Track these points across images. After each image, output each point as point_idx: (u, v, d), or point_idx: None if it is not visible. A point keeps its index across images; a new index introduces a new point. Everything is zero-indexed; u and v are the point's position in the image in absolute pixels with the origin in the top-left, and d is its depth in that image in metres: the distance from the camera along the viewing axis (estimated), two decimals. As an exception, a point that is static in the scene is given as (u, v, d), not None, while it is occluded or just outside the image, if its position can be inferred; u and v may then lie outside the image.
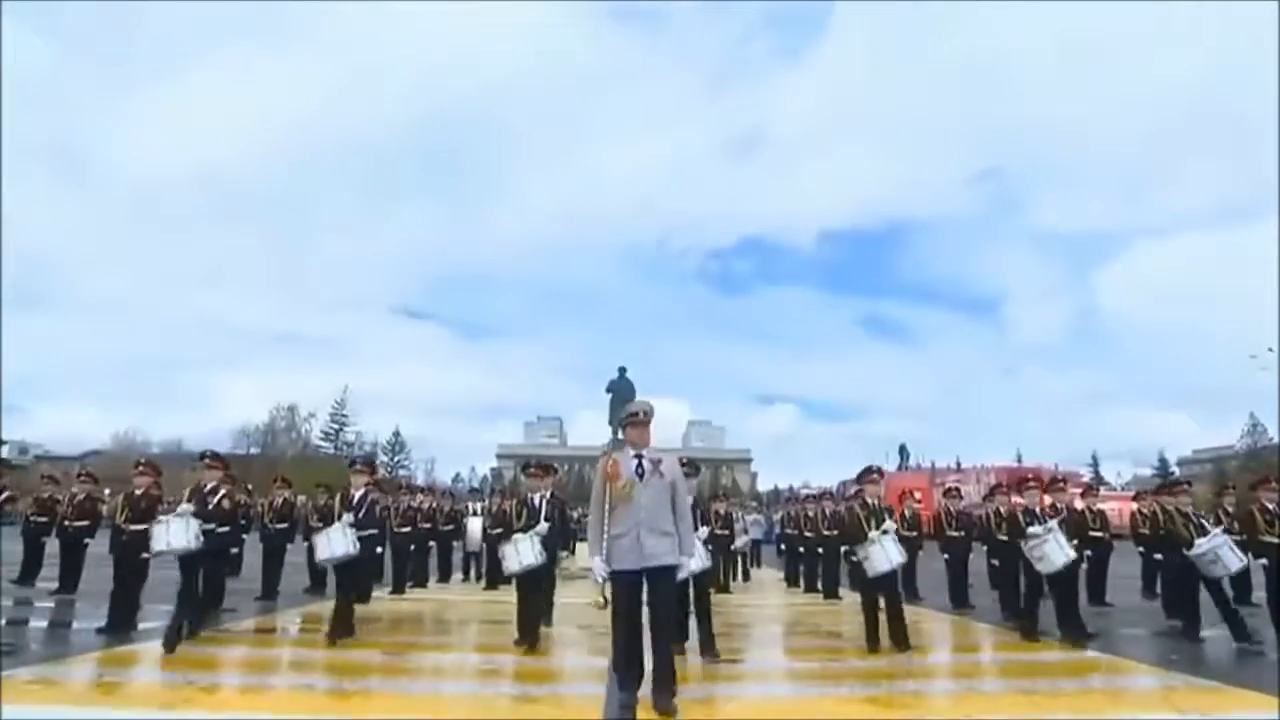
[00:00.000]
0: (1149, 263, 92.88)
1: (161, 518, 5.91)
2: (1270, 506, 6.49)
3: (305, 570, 9.51)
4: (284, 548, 9.62)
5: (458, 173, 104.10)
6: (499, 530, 7.87)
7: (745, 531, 13.21)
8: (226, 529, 8.88)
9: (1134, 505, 10.67)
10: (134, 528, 6.52)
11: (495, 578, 9.80)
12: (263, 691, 4.36)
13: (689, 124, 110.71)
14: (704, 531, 5.97)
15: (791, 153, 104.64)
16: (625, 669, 3.81)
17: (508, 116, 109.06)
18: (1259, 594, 6.45)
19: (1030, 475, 7.02)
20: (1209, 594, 6.46)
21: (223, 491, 6.30)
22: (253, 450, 49.71)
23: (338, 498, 6.83)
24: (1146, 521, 9.55)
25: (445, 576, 11.65)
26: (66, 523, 9.62)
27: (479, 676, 4.83)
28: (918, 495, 11.69)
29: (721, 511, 9.46)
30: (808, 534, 11.17)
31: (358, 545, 6.23)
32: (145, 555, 6.27)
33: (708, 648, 5.46)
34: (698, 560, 5.26)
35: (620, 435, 4.79)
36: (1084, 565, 7.16)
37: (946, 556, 9.53)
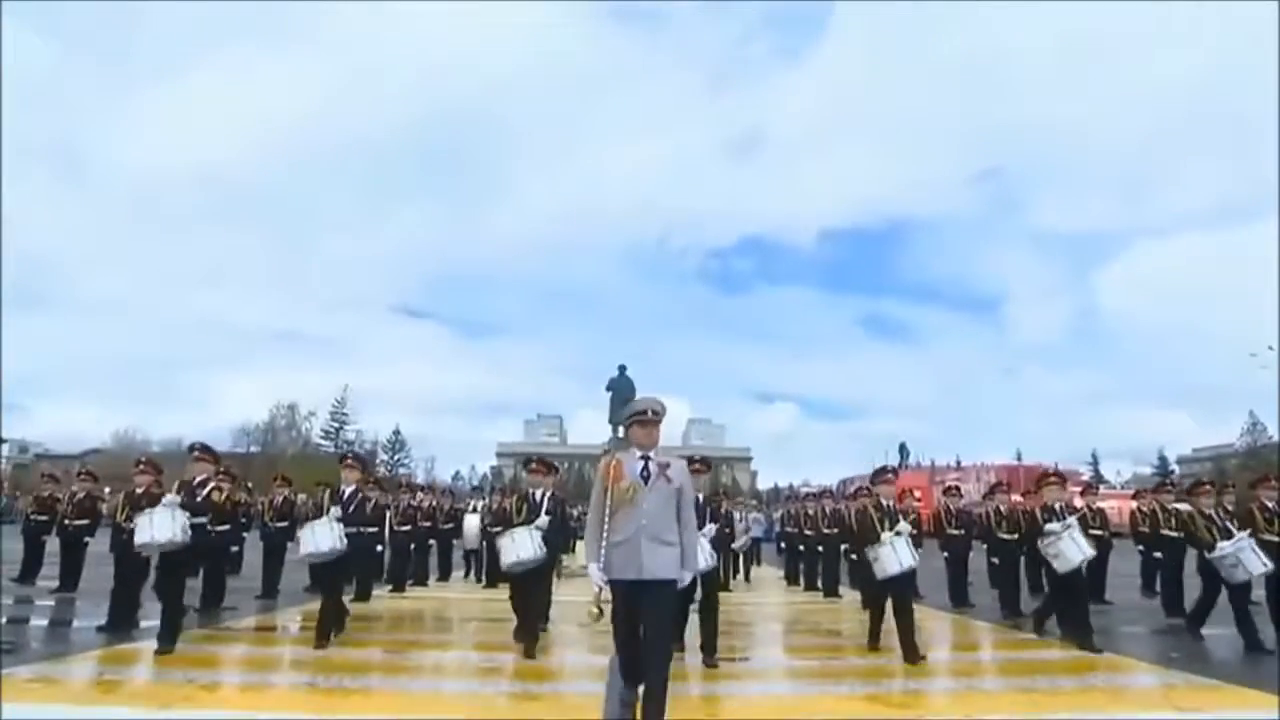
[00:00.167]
0: (1149, 262, 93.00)
1: (146, 510, 5.66)
2: (1270, 505, 6.50)
3: (305, 569, 9.50)
4: (284, 546, 9.62)
5: (458, 172, 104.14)
6: (499, 528, 7.64)
7: (747, 530, 13.21)
8: (227, 526, 8.96)
9: (1133, 504, 10.67)
10: (134, 526, 6.50)
11: (495, 576, 9.80)
12: (263, 690, 4.36)
13: (689, 123, 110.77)
14: (711, 529, 5.77)
15: (792, 152, 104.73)
16: (628, 664, 3.63)
17: (508, 116, 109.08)
18: (1259, 592, 6.43)
19: (1051, 471, 6.82)
20: (1228, 598, 6.33)
21: (212, 484, 6.05)
22: (253, 449, 49.74)
23: (326, 493, 6.53)
24: (1146, 520, 9.56)
25: (445, 575, 11.66)
26: (67, 521, 9.63)
27: (479, 674, 4.84)
28: (917, 494, 11.71)
29: (723, 510, 9.46)
30: (808, 532, 11.18)
31: (344, 541, 5.95)
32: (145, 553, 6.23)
33: (709, 649, 5.31)
34: (705, 558, 5.10)
35: (623, 434, 4.62)
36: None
37: (946, 555, 9.54)
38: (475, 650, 5.88)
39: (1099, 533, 9.02)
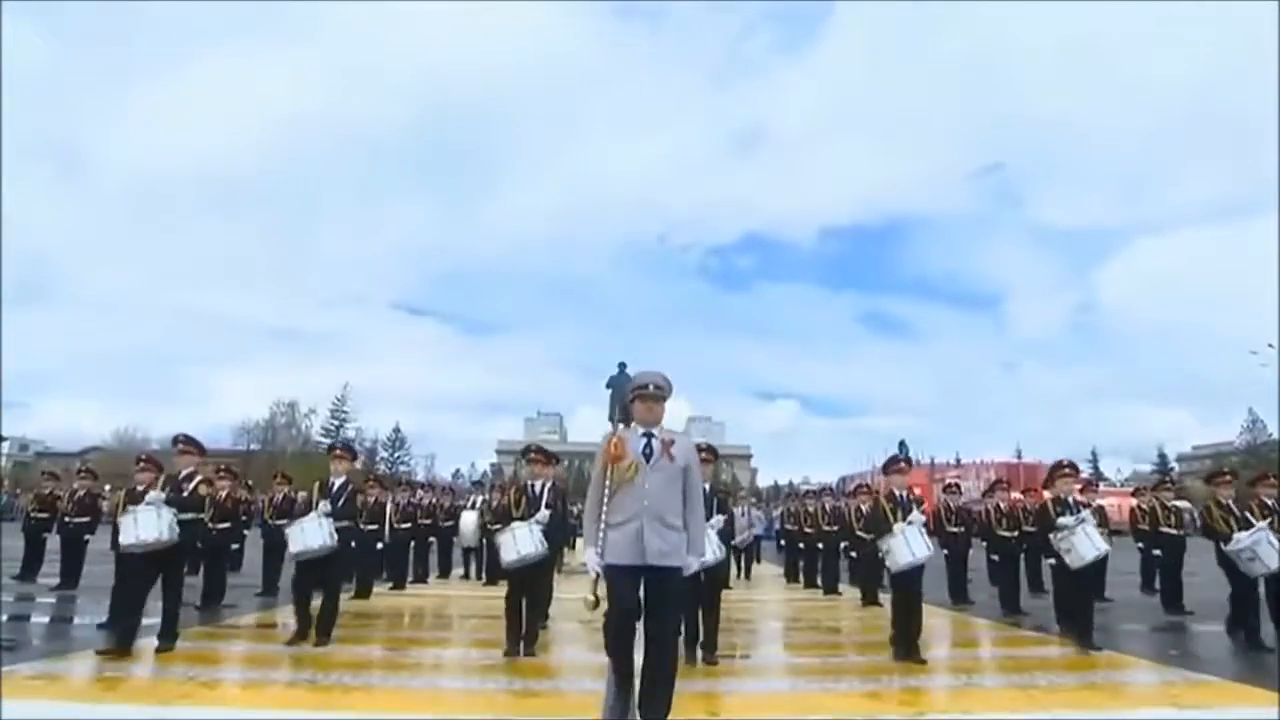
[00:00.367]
0: (1149, 259, 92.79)
1: (129, 508, 5.39)
2: (1269, 502, 6.50)
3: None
4: (285, 544, 9.62)
5: (458, 169, 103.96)
6: (499, 525, 7.19)
7: (750, 526, 13.19)
8: (227, 524, 8.97)
9: (1133, 501, 10.69)
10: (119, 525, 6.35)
11: (495, 573, 9.80)
12: (263, 687, 4.37)
13: (690, 120, 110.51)
14: (719, 521, 5.53)
15: (792, 149, 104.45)
16: (620, 659, 3.32)
17: (508, 112, 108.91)
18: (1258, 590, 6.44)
19: (1065, 463, 6.47)
20: (1234, 589, 6.24)
21: (199, 478, 5.73)
22: (253, 446, 49.79)
23: (315, 486, 6.22)
24: (1145, 517, 9.58)
25: (445, 572, 11.67)
26: (67, 519, 9.65)
27: (480, 672, 4.84)
28: (917, 491, 11.68)
29: (729, 504, 9.44)
30: (808, 530, 11.19)
31: (335, 537, 5.71)
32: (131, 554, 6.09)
33: (710, 646, 5.20)
34: (712, 553, 4.92)
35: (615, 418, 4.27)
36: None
37: (946, 552, 9.54)
38: (476, 648, 5.88)
39: (1099, 530, 9.05)
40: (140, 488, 6.63)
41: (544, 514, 5.77)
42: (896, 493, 5.81)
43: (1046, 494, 7.68)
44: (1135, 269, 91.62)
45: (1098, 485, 18.77)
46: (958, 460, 50.09)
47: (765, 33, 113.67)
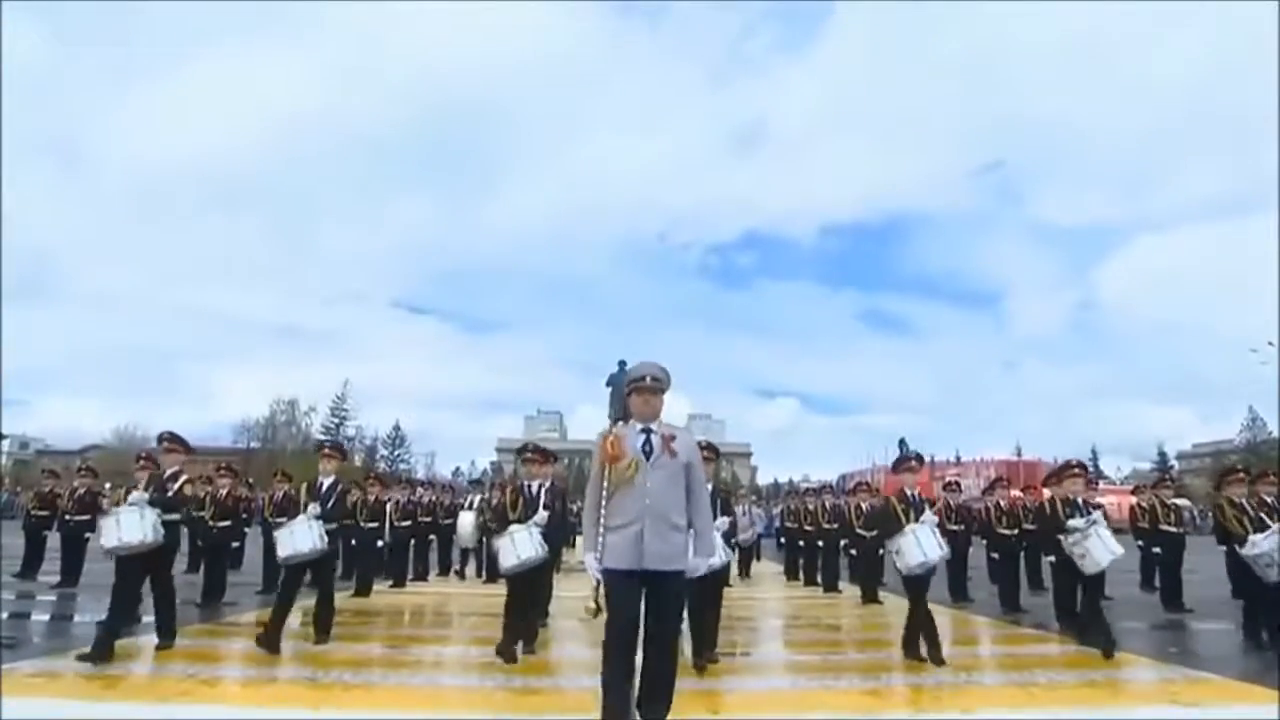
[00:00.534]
0: (1149, 257, 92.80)
1: (112, 509, 5.20)
2: (1269, 500, 6.50)
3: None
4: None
5: (458, 167, 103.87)
6: (496, 525, 6.59)
7: (752, 524, 13.18)
8: (228, 522, 8.98)
9: (1133, 499, 10.69)
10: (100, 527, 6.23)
11: (496, 572, 9.79)
12: (264, 685, 4.37)
13: (690, 118, 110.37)
14: (724, 522, 5.33)
15: (793, 147, 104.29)
16: (617, 685, 3.06)
17: (508, 110, 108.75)
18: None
19: (1075, 462, 6.22)
20: (1248, 593, 6.15)
21: (185, 477, 5.51)
22: (253, 444, 49.80)
23: (303, 487, 6.00)
24: (1145, 515, 9.58)
25: (446, 570, 11.67)
26: (68, 517, 9.67)
27: (480, 669, 4.84)
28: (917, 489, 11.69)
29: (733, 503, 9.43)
30: (808, 528, 11.20)
31: (325, 540, 5.54)
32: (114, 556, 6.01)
33: (709, 645, 5.03)
34: (718, 555, 4.73)
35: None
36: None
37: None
38: (476, 645, 5.88)
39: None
40: (140, 485, 6.62)
41: (542, 515, 5.56)
42: (908, 492, 5.63)
43: (1047, 492, 7.64)
44: (1135, 267, 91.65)
45: (1097, 483, 18.80)
46: (958, 458, 50.06)
47: (766, 31, 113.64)
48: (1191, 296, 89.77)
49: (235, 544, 9.92)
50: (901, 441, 54.40)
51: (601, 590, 3.20)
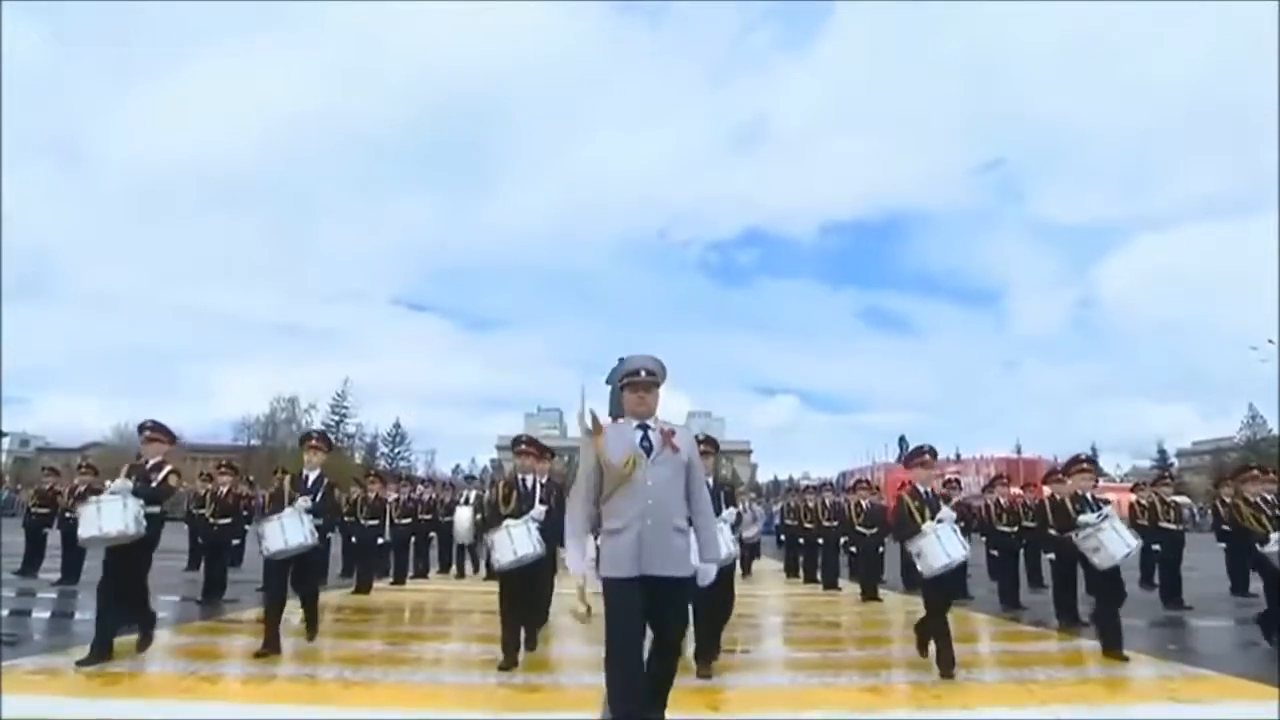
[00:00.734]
0: (1150, 255, 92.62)
1: (91, 498, 4.99)
2: (1269, 497, 6.50)
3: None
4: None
5: (458, 164, 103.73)
6: (485, 516, 6.37)
7: (754, 520, 13.19)
8: (229, 519, 8.98)
9: (1132, 496, 10.70)
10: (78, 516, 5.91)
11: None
12: (265, 682, 4.37)
13: (691, 115, 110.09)
14: (730, 514, 5.10)
15: (793, 144, 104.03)
16: (625, 687, 2.83)
17: (509, 109, 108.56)
18: (1256, 585, 6.44)
19: (1083, 458, 5.98)
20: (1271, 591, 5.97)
21: (169, 467, 5.22)
22: (254, 442, 49.85)
23: (287, 479, 5.65)
24: (1145, 513, 9.58)
25: (446, 568, 11.68)
26: (68, 514, 9.65)
27: (480, 666, 4.85)
28: (931, 484, 11.72)
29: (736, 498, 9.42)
30: (807, 525, 11.21)
31: (315, 535, 5.28)
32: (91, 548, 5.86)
33: (710, 655, 4.71)
34: (726, 545, 4.55)
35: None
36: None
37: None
38: (476, 642, 5.89)
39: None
40: (122, 474, 6.38)
41: (538, 510, 5.27)
42: (921, 489, 5.24)
43: (1047, 490, 7.63)
44: (1136, 265, 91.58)
45: (1097, 481, 18.81)
46: (958, 456, 50.02)
47: (766, 29, 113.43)
48: (1192, 295, 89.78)
49: (236, 541, 9.94)
50: (901, 439, 54.50)
51: (590, 587, 3.05)
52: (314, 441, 5.82)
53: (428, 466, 54.66)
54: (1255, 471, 6.67)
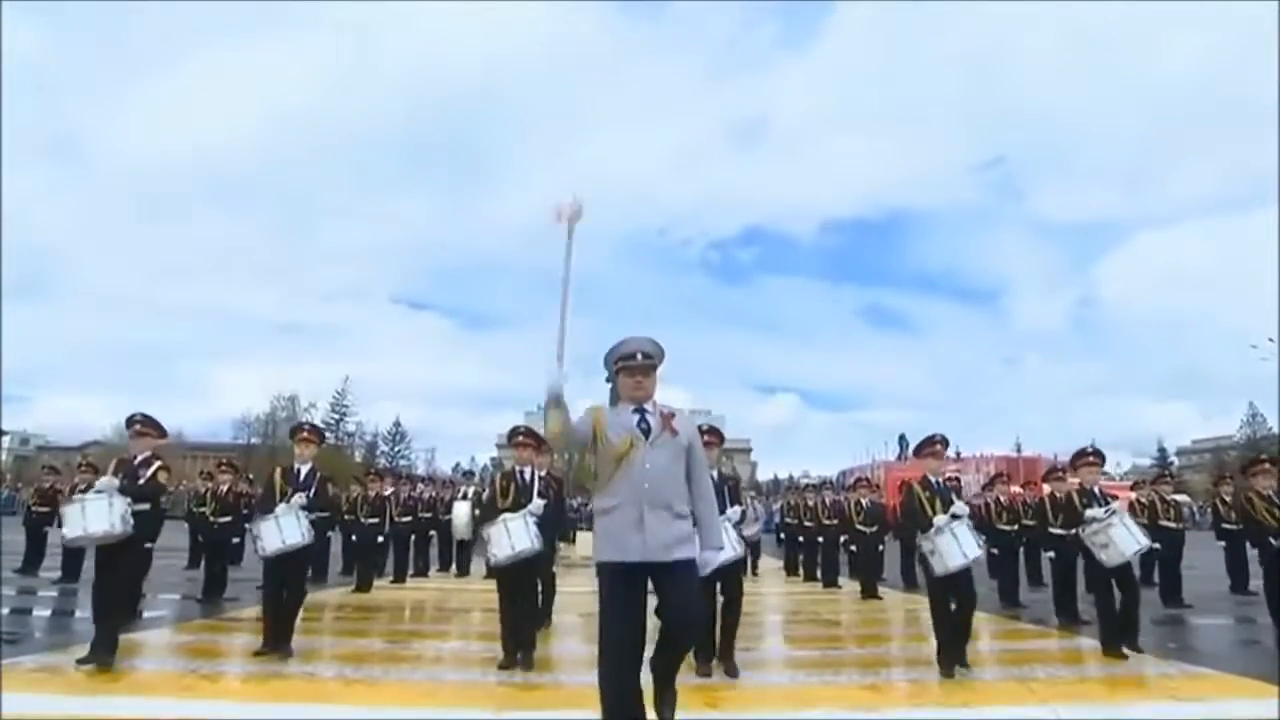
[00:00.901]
0: (1150, 253, 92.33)
1: (76, 496, 4.79)
2: (1269, 494, 6.50)
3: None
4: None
5: (458, 163, 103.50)
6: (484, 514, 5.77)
7: (757, 519, 13.19)
8: (229, 518, 8.99)
9: (1132, 494, 10.70)
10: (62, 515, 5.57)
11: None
12: (265, 680, 4.37)
13: (691, 112, 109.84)
14: (735, 512, 4.87)
15: (794, 142, 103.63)
16: (618, 686, 2.68)
17: (508, 106, 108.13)
18: (1255, 583, 6.43)
19: (1089, 450, 5.77)
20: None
21: (157, 464, 4.98)
22: (254, 440, 49.85)
23: (278, 472, 5.41)
24: (1144, 511, 9.58)
25: (446, 566, 11.69)
26: (68, 512, 9.66)
27: (481, 664, 4.85)
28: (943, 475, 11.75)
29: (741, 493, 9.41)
30: (807, 523, 11.22)
31: (312, 533, 5.09)
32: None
33: (727, 657, 4.59)
34: (731, 546, 4.30)
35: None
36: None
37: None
38: (476, 640, 5.90)
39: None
40: (110, 471, 6.26)
41: (537, 503, 5.04)
42: (933, 480, 4.99)
43: (1046, 487, 7.62)
44: (1136, 263, 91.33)
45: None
46: (958, 454, 49.78)
47: (767, 26, 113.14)
48: (1192, 292, 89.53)
49: (236, 540, 9.94)
50: (901, 437, 54.48)
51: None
52: (305, 433, 5.53)
53: (428, 465, 54.65)
54: (1266, 464, 6.57)
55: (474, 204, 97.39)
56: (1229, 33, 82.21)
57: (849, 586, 9.74)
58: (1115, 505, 5.41)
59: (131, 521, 4.61)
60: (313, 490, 5.23)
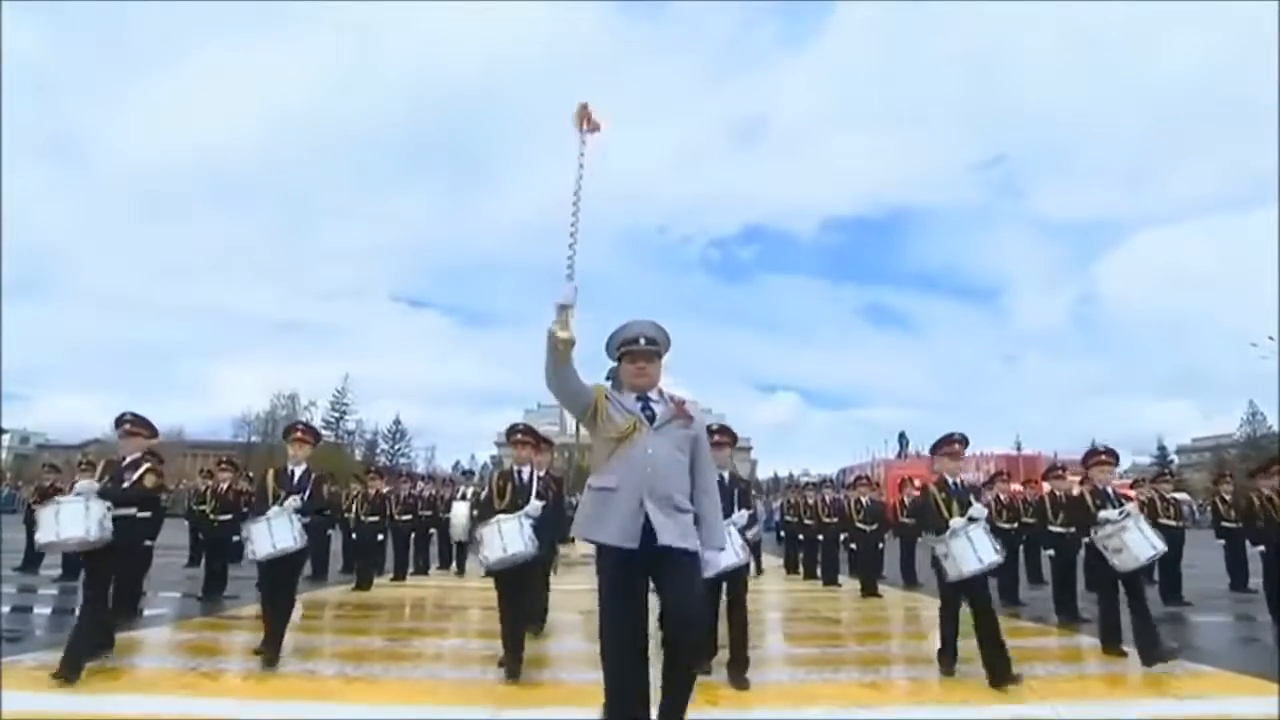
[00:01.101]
0: (1150, 251, 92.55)
1: (58, 499, 4.53)
2: (1269, 494, 6.50)
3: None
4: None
5: (458, 161, 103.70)
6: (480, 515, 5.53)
7: (760, 518, 13.18)
8: (229, 516, 8.99)
9: (1132, 493, 10.70)
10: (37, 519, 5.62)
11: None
12: (266, 678, 4.38)
13: (691, 111, 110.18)
14: (743, 516, 4.69)
15: (794, 140, 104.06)
16: (619, 682, 2.55)
17: (509, 104, 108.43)
18: (1255, 580, 6.44)
19: (1102, 449, 5.56)
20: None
21: (145, 466, 4.73)
22: (254, 439, 49.90)
23: (270, 473, 5.20)
24: (1144, 509, 9.57)
25: (446, 564, 11.69)
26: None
27: (480, 662, 4.85)
28: (917, 483, 11.74)
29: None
30: (807, 521, 11.22)
31: (304, 537, 4.87)
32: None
33: (739, 667, 4.35)
34: (731, 553, 4.04)
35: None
36: (1081, 553, 7.12)
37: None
38: (476, 638, 5.90)
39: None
40: (95, 473, 6.06)
41: (534, 505, 4.82)
42: (949, 480, 4.80)
43: (1046, 486, 7.62)
44: (1136, 261, 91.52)
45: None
46: (958, 452, 50.01)
47: (767, 25, 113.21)
48: (1192, 291, 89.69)
49: (236, 538, 9.93)
50: (901, 435, 54.50)
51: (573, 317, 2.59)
52: (299, 433, 5.31)
53: (428, 463, 54.79)
54: (1277, 468, 6.58)
55: (474, 203, 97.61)
56: (1229, 33, 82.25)
57: (849, 584, 9.74)
58: (1130, 507, 5.22)
59: (111, 527, 4.30)
60: (307, 493, 5.02)
